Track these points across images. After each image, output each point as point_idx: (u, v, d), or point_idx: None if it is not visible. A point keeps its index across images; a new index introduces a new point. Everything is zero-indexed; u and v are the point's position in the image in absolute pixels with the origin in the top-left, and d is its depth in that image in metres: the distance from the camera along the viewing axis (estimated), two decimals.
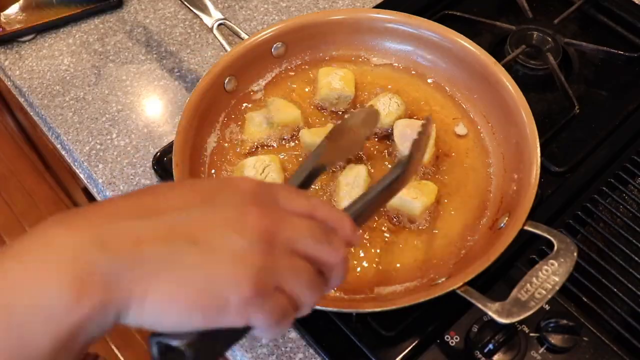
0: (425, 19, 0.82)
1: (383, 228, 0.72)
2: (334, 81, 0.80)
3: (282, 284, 0.40)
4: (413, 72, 0.85)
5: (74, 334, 0.35)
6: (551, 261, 0.59)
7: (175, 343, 0.39)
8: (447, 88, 0.83)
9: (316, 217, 0.44)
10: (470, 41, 0.79)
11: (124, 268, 0.36)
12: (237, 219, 0.39)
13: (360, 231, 0.47)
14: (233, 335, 0.41)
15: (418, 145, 0.59)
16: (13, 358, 0.34)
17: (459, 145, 0.78)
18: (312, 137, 0.75)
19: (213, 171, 0.76)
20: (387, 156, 0.77)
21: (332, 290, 0.67)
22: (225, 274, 0.38)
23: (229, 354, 0.71)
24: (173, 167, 0.69)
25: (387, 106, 0.77)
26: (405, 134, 0.74)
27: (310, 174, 0.56)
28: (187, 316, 0.37)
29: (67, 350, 0.35)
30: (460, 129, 0.79)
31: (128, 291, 0.36)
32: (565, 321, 0.64)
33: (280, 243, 0.40)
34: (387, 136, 0.79)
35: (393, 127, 0.76)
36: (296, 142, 0.78)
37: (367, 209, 0.52)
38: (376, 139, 0.79)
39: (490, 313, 0.57)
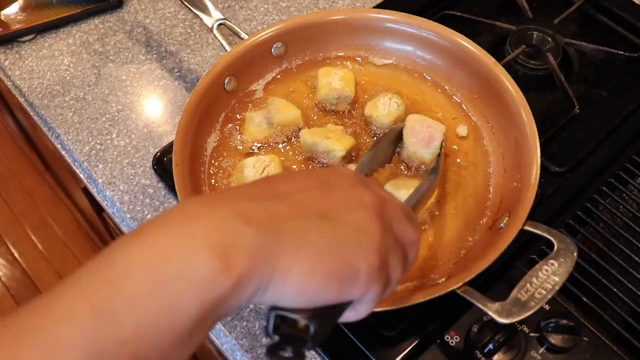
0: (425, 19, 0.82)
1: None
2: (334, 81, 0.80)
3: (389, 260, 0.43)
4: (413, 72, 0.85)
5: (217, 304, 0.36)
6: (551, 261, 0.59)
7: (296, 317, 0.40)
8: (447, 88, 0.83)
9: (398, 204, 0.48)
10: (470, 41, 0.79)
11: (268, 241, 0.37)
12: (354, 195, 0.44)
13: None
14: (338, 312, 0.43)
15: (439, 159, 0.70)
16: (161, 325, 0.34)
17: (459, 145, 0.78)
18: (312, 137, 0.75)
19: (213, 171, 0.76)
20: None
21: None
22: (356, 245, 0.41)
23: (229, 354, 0.71)
24: (173, 167, 0.69)
25: (387, 106, 0.77)
26: (414, 130, 0.75)
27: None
28: (325, 287, 0.39)
29: (205, 323, 0.36)
30: (461, 130, 0.79)
31: (274, 263, 0.37)
32: (565, 321, 0.64)
33: (387, 220, 0.44)
34: None
35: (405, 121, 0.76)
36: (296, 142, 0.78)
37: (418, 203, 0.62)
38: (375, 139, 0.79)
39: (490, 313, 0.57)
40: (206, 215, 0.37)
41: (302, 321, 0.40)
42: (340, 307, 0.42)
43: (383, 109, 0.77)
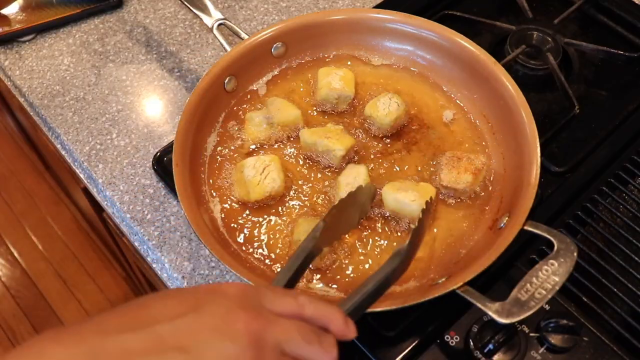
0: (425, 19, 0.82)
1: (385, 229, 0.72)
2: (334, 81, 0.80)
3: None
4: (413, 72, 0.85)
5: None
6: (551, 261, 0.59)
7: None
8: (447, 88, 0.83)
9: (305, 316, 0.44)
10: (470, 41, 0.79)
11: None
12: (226, 324, 0.40)
13: (354, 325, 0.48)
14: None
15: (416, 235, 0.59)
16: None
17: (458, 145, 0.78)
18: (312, 137, 0.75)
19: (213, 171, 0.76)
20: (386, 156, 0.77)
21: (334, 292, 0.67)
22: None
23: None
24: (173, 167, 0.69)
25: (387, 106, 0.77)
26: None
27: (305, 260, 0.56)
28: None
29: None
30: (447, 115, 0.80)
31: None
32: (565, 321, 0.64)
33: (270, 346, 0.41)
34: (386, 136, 0.79)
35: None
36: (296, 142, 0.78)
37: (364, 302, 0.52)
38: (375, 141, 0.79)
39: (490, 313, 0.57)
40: (61, 354, 0.37)
41: None
42: None
43: (383, 109, 0.77)
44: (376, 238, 0.71)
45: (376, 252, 0.70)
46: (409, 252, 0.57)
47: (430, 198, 0.64)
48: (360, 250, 0.70)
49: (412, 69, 0.85)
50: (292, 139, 0.79)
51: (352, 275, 0.69)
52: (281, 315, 0.43)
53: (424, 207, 0.60)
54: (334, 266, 0.69)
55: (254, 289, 0.44)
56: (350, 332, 0.47)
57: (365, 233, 0.71)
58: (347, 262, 0.69)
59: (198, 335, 0.39)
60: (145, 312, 0.40)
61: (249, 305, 0.42)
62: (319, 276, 0.68)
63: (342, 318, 0.46)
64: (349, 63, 0.85)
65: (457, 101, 0.82)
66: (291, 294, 0.46)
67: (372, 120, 0.78)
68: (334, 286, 0.68)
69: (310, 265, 0.68)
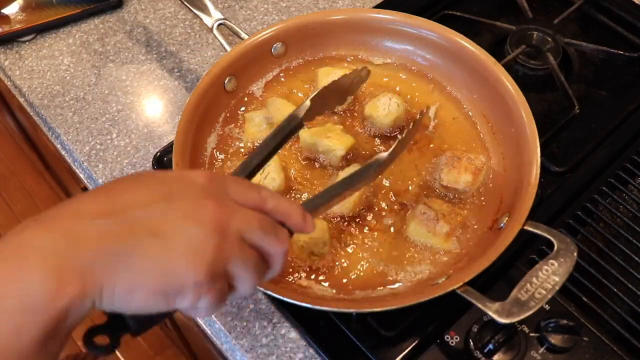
0: (425, 19, 0.82)
1: (385, 231, 0.72)
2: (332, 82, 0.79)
3: (229, 268, 0.45)
4: (413, 72, 0.85)
5: (60, 320, 0.38)
6: (551, 261, 0.59)
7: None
8: (447, 88, 0.83)
9: (266, 208, 0.48)
10: (470, 41, 0.79)
11: (94, 260, 0.40)
12: (194, 212, 0.44)
13: (312, 221, 0.52)
14: (168, 314, 0.47)
15: (400, 146, 0.63)
16: (10, 346, 0.37)
17: (458, 145, 0.78)
18: (312, 136, 0.75)
19: (213, 171, 0.76)
20: None
21: (332, 291, 0.67)
22: (185, 261, 0.42)
23: (228, 354, 0.71)
24: (173, 167, 0.69)
25: (387, 106, 0.77)
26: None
27: (287, 135, 0.64)
28: (152, 300, 0.42)
29: (55, 337, 0.39)
30: (447, 115, 0.81)
31: (100, 281, 0.40)
32: (565, 321, 0.64)
33: (231, 232, 0.45)
34: (387, 136, 0.79)
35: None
36: (296, 142, 0.78)
37: (325, 201, 0.57)
38: (375, 141, 0.79)
39: (490, 313, 0.57)
40: (39, 240, 0.40)
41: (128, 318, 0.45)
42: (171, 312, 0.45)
43: (383, 109, 0.77)
44: (376, 240, 0.71)
45: (376, 253, 0.70)
46: (386, 161, 0.62)
47: (421, 112, 0.67)
48: (360, 251, 0.70)
49: (412, 69, 0.85)
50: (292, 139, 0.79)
51: (352, 276, 0.69)
52: (244, 206, 0.47)
53: (415, 120, 0.65)
54: (333, 267, 0.69)
55: (221, 179, 0.48)
56: (307, 226, 0.51)
57: (365, 233, 0.71)
58: (346, 262, 0.69)
59: (168, 221, 0.43)
60: (119, 199, 0.43)
61: (215, 194, 0.46)
62: (318, 277, 0.68)
63: (301, 214, 0.50)
64: (348, 63, 0.85)
65: (457, 101, 0.82)
66: (255, 187, 0.50)
67: (372, 120, 0.78)
68: (333, 285, 0.68)
69: (311, 266, 0.68)
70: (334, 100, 0.74)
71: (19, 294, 0.38)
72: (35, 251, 0.39)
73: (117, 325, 0.45)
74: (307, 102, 0.67)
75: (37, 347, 0.38)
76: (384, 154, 0.61)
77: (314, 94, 0.68)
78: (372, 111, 0.78)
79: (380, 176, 0.75)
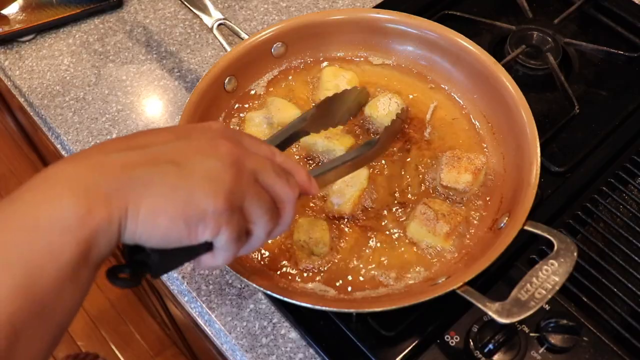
0: (425, 19, 0.82)
1: (385, 232, 0.72)
2: (342, 84, 0.80)
3: (246, 205, 0.47)
4: (413, 72, 0.85)
5: (90, 243, 0.40)
6: (551, 261, 0.59)
7: (146, 247, 0.45)
8: (446, 88, 0.83)
9: (275, 161, 0.51)
10: (470, 41, 0.79)
11: (120, 186, 0.42)
12: (212, 147, 0.46)
13: (317, 184, 0.55)
14: (191, 253, 0.48)
15: (390, 130, 0.67)
16: (45, 266, 0.39)
17: (458, 145, 0.78)
18: (312, 136, 0.75)
19: None
20: (386, 155, 0.77)
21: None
22: (203, 188, 0.44)
23: (229, 354, 0.71)
24: None
25: (387, 106, 0.78)
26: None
27: (291, 136, 0.65)
28: (174, 227, 0.43)
29: (86, 264, 0.41)
30: (446, 115, 0.81)
31: (125, 204, 0.42)
32: (565, 321, 0.64)
33: (247, 170, 0.47)
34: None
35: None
36: (296, 142, 0.78)
37: (327, 174, 0.62)
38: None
39: (490, 313, 0.57)
40: (68, 170, 0.42)
41: (150, 252, 0.45)
42: (194, 250, 0.47)
43: (383, 109, 0.77)
44: (376, 240, 0.71)
45: (376, 253, 0.70)
46: (378, 147, 0.68)
47: (405, 107, 0.72)
48: (360, 251, 0.70)
49: (412, 69, 0.85)
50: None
51: (352, 276, 0.69)
52: (256, 153, 0.50)
53: (400, 110, 0.70)
54: (333, 267, 0.69)
55: (234, 130, 0.51)
56: (312, 187, 0.54)
57: (365, 233, 0.71)
58: (346, 262, 0.69)
59: (187, 153, 0.45)
60: (142, 138, 0.46)
61: (231, 137, 0.48)
62: (318, 277, 0.68)
63: (306, 173, 0.54)
64: (348, 63, 0.86)
65: (457, 101, 0.82)
66: (266, 143, 0.53)
67: (372, 120, 0.78)
68: (333, 285, 0.68)
69: (311, 265, 0.68)
70: (336, 115, 0.75)
71: (51, 215, 0.40)
72: (64, 179, 0.42)
73: (138, 264, 0.46)
74: (313, 109, 0.69)
75: (71, 271, 0.40)
76: (375, 138, 0.66)
77: (318, 103, 0.70)
78: (372, 111, 0.78)
79: (378, 172, 0.75)
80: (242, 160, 0.47)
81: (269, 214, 0.49)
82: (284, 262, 0.69)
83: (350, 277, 0.68)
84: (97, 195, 0.41)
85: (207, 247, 0.47)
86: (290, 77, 0.85)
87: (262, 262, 0.69)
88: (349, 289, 0.67)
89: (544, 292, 0.57)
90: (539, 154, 0.69)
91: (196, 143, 0.46)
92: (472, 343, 0.64)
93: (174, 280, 0.76)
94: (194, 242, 0.45)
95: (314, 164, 0.77)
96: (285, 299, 0.61)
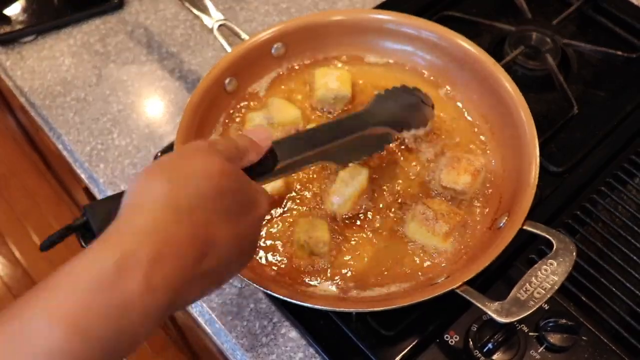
0: (425, 20, 0.82)
1: (386, 231, 0.72)
2: (331, 82, 0.80)
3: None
4: (413, 73, 0.85)
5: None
6: (550, 261, 0.59)
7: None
8: (446, 88, 0.83)
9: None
10: (470, 42, 0.80)
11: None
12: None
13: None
14: None
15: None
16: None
17: (458, 146, 0.79)
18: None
19: None
20: (387, 155, 0.78)
21: (334, 291, 0.67)
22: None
23: (229, 353, 0.71)
24: None
25: None
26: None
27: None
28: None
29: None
30: (446, 116, 0.80)
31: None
32: (564, 320, 0.64)
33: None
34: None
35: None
36: None
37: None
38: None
39: (489, 312, 0.57)
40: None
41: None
42: None
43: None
44: (375, 240, 0.71)
45: (376, 253, 0.70)
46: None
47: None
48: (359, 251, 0.71)
49: (411, 69, 0.85)
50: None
51: (352, 275, 0.69)
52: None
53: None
54: (333, 266, 0.69)
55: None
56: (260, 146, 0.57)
57: (365, 233, 0.72)
58: (346, 261, 0.70)
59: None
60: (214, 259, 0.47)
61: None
62: (318, 277, 0.69)
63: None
64: (348, 64, 0.86)
65: (457, 102, 0.82)
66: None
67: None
68: (333, 285, 0.68)
69: (311, 265, 0.68)
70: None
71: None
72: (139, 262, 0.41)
73: (90, 232, 0.48)
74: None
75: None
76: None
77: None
78: None
79: (378, 172, 0.76)
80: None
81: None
82: (284, 262, 0.70)
83: (350, 277, 0.69)
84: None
85: None
86: (290, 78, 0.85)
87: (262, 262, 0.70)
88: (349, 288, 0.68)
89: (543, 291, 0.57)
90: (538, 154, 0.69)
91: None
92: (471, 342, 0.64)
93: None
94: None
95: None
96: (286, 299, 0.61)
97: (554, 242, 0.60)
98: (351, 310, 0.65)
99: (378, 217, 0.73)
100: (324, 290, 0.67)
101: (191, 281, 0.44)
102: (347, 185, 0.72)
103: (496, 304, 0.57)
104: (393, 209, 0.73)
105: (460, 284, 0.59)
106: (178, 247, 0.43)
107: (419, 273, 0.69)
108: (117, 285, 0.39)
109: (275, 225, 0.72)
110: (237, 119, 0.81)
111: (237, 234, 0.48)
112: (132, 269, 0.39)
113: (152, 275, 0.40)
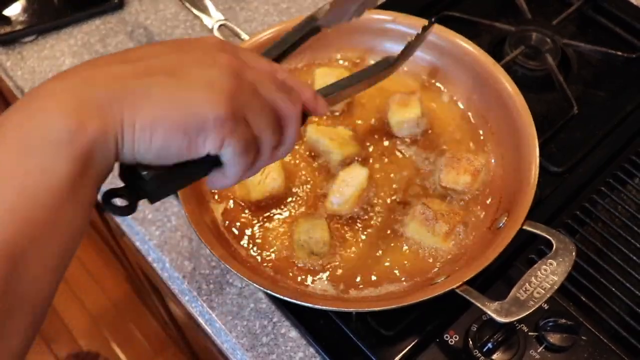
0: (425, 20, 0.82)
1: (387, 231, 0.72)
2: (331, 82, 0.79)
3: (249, 117, 0.44)
4: (412, 73, 0.85)
5: (85, 158, 0.39)
6: (550, 261, 0.59)
7: (141, 169, 0.43)
8: (446, 88, 0.83)
9: (277, 77, 0.48)
10: (470, 42, 0.80)
11: (113, 97, 0.40)
12: (209, 57, 0.44)
13: (324, 102, 0.52)
14: (193, 171, 0.45)
15: (409, 49, 0.63)
16: (38, 185, 0.37)
17: (458, 146, 0.79)
18: (317, 133, 0.75)
19: None
20: (388, 155, 0.78)
21: (334, 291, 0.68)
22: (202, 96, 0.42)
23: (229, 353, 0.71)
24: None
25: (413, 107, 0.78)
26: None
27: (306, 34, 0.61)
28: (171, 136, 0.41)
29: (84, 182, 0.39)
30: (446, 116, 0.80)
31: (120, 116, 0.40)
32: (564, 320, 0.64)
33: (247, 81, 0.44)
34: (389, 136, 0.79)
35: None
36: (297, 142, 0.79)
37: (341, 92, 0.57)
38: (376, 140, 0.79)
39: (489, 312, 0.57)
40: (59, 85, 0.40)
41: (145, 172, 0.43)
42: (195, 168, 0.44)
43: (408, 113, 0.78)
44: (375, 240, 0.71)
45: (375, 253, 0.70)
46: (396, 62, 0.62)
47: (429, 23, 0.65)
48: (359, 251, 0.71)
49: (411, 69, 0.85)
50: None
51: (352, 275, 0.69)
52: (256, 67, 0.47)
53: (425, 25, 0.64)
54: (333, 266, 0.69)
55: (233, 44, 0.48)
56: (319, 106, 0.51)
57: (365, 233, 0.72)
58: (346, 261, 0.70)
59: (183, 64, 0.43)
60: (134, 53, 0.44)
61: (229, 51, 0.46)
62: (318, 277, 0.69)
63: (313, 92, 0.50)
64: (348, 64, 0.86)
65: (457, 102, 0.82)
66: (266, 59, 0.50)
67: (397, 124, 0.78)
68: (333, 285, 0.68)
69: (311, 265, 0.69)
70: (351, 9, 0.68)
71: (41, 132, 0.38)
72: (53, 95, 0.39)
73: (135, 188, 0.45)
74: (327, 6, 0.64)
75: (68, 189, 0.38)
76: (393, 56, 0.62)
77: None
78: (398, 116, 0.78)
79: (378, 172, 0.76)
80: (242, 72, 0.44)
81: (273, 127, 0.46)
82: (284, 262, 0.70)
83: (349, 277, 0.69)
84: (89, 107, 0.39)
85: (211, 165, 0.45)
86: None
87: (262, 262, 0.70)
88: (349, 288, 0.68)
89: (542, 291, 0.57)
90: (537, 154, 0.69)
91: (193, 55, 0.44)
92: (471, 342, 0.64)
93: (175, 280, 0.76)
94: (194, 155, 0.43)
95: (315, 165, 0.77)
96: (286, 299, 0.61)
97: (553, 242, 0.61)
98: (351, 310, 0.65)
99: (378, 217, 0.73)
100: (323, 290, 0.68)
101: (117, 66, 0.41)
102: (347, 185, 0.72)
103: (496, 303, 0.57)
104: (393, 209, 0.73)
105: (460, 283, 0.59)
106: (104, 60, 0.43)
107: (419, 273, 0.69)
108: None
109: (275, 225, 0.72)
110: None
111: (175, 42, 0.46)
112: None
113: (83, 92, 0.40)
